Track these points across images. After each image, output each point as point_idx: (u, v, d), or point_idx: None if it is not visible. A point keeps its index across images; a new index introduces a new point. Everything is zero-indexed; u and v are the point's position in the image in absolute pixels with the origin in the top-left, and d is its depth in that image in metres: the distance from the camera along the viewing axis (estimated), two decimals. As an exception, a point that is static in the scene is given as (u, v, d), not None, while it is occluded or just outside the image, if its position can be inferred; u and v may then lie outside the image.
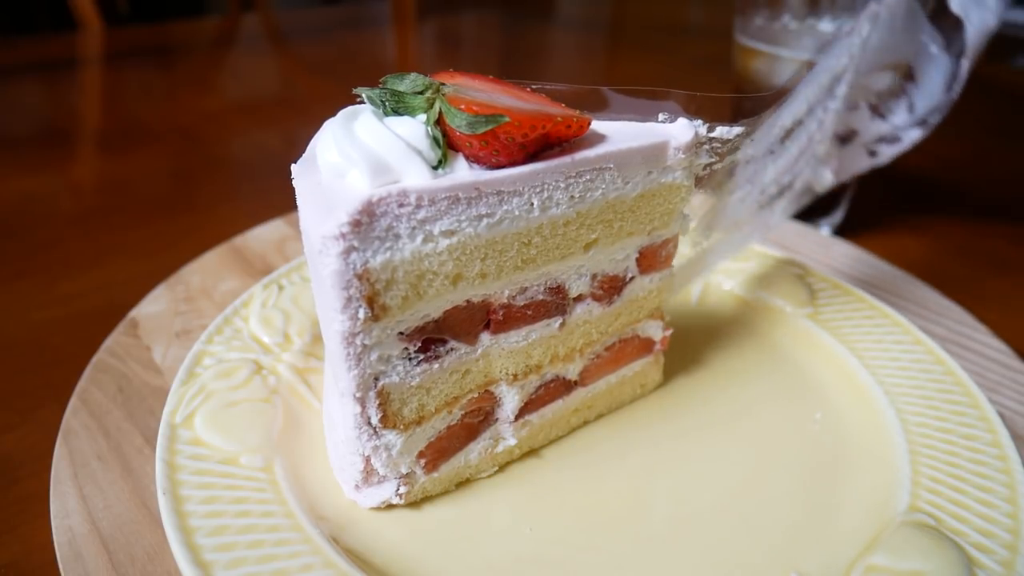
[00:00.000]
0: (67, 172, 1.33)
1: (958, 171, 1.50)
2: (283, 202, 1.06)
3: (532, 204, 0.55)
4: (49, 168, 1.32)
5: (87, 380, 0.70)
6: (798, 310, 0.85)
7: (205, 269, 0.90)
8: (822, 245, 1.03)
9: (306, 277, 0.84)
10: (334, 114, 0.53)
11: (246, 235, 0.99)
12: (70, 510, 0.56)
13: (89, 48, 2.16)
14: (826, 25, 1.02)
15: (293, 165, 0.54)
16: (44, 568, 0.56)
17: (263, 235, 0.99)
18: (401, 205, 0.49)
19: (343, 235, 0.47)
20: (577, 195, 0.58)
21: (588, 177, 0.58)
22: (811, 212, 1.14)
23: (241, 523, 0.53)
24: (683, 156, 0.62)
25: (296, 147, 0.56)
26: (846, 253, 1.01)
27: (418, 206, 0.50)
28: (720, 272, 0.93)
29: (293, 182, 0.53)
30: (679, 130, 0.61)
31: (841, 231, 1.16)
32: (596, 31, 2.87)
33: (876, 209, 1.25)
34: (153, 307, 0.81)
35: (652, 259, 0.69)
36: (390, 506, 0.60)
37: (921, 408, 0.70)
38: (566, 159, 0.55)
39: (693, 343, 0.82)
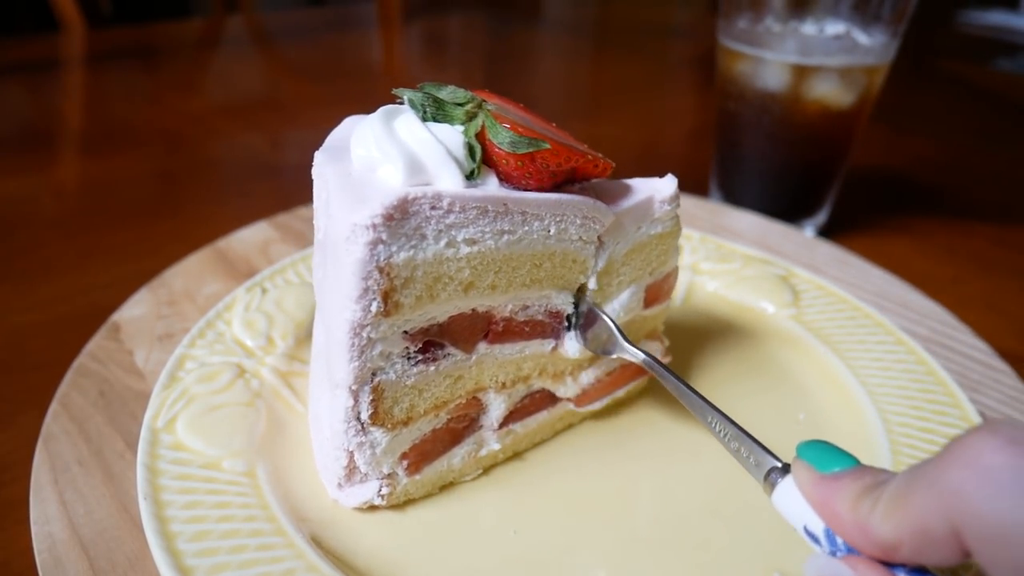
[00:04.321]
0: (49, 174, 1.31)
1: (941, 173, 1.52)
2: (267, 205, 1.06)
3: (550, 231, 0.57)
4: (31, 170, 1.31)
5: (68, 384, 0.69)
6: (782, 311, 0.86)
7: (188, 272, 0.89)
8: (806, 246, 1.04)
9: (289, 280, 0.83)
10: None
11: (230, 238, 0.98)
12: (50, 516, 0.56)
13: (72, 49, 2.14)
14: (809, 27, 1.03)
15: (316, 152, 0.55)
16: (24, 575, 0.56)
17: (247, 238, 0.99)
18: (433, 207, 0.50)
19: (374, 226, 0.48)
20: (585, 237, 0.60)
21: (598, 226, 0.60)
22: (795, 213, 1.15)
23: (223, 528, 0.53)
24: (668, 208, 0.65)
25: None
26: (829, 254, 1.02)
27: (448, 211, 0.51)
28: (704, 273, 0.93)
29: (313, 170, 0.54)
30: (663, 184, 0.65)
31: (825, 232, 1.17)
32: (582, 33, 2.88)
33: (860, 210, 1.26)
34: (135, 311, 0.81)
35: (656, 293, 0.71)
36: (373, 508, 0.60)
37: (903, 408, 0.70)
38: (589, 199, 0.58)
39: (677, 344, 0.82)
